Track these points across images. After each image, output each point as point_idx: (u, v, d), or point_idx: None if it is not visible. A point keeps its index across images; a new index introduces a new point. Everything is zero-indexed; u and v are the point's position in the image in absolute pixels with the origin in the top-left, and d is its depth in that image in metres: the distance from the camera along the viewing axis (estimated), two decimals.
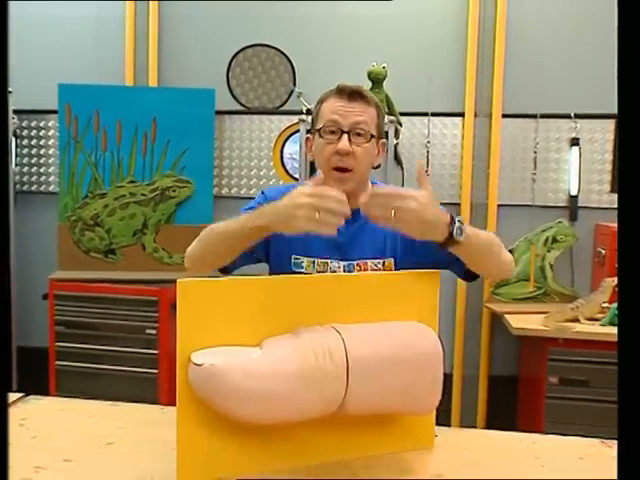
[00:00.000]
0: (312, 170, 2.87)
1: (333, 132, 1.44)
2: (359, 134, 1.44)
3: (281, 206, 1.24)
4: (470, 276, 1.46)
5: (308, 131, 1.58)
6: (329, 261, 1.49)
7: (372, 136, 1.45)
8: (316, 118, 1.51)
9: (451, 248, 1.25)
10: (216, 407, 1.09)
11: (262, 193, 1.59)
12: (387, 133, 3.01)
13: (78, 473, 1.15)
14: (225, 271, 1.54)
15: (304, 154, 2.89)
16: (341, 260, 1.49)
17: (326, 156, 1.45)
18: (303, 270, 1.50)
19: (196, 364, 1.07)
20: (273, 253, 1.54)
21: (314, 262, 1.49)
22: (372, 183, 1.57)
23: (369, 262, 1.48)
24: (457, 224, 1.23)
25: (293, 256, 1.51)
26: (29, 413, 1.41)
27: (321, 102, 1.50)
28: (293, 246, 1.50)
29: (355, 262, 1.48)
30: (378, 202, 1.20)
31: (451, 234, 1.22)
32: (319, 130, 1.46)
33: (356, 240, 1.50)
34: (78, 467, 1.17)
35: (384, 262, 1.49)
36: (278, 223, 1.25)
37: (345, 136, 1.43)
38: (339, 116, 1.44)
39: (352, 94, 1.45)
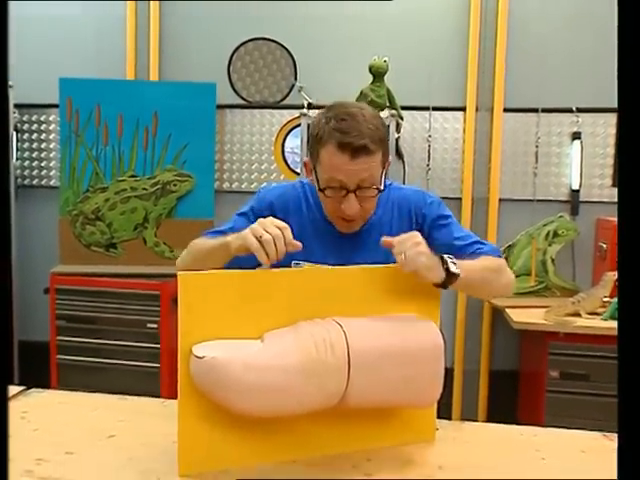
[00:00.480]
0: None
1: (337, 187, 1.37)
2: (366, 187, 1.37)
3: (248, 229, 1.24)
4: None
5: (308, 147, 1.48)
6: (329, 267, 1.47)
7: (379, 190, 1.39)
8: (315, 158, 1.40)
9: (452, 284, 1.25)
10: (217, 400, 1.09)
11: (259, 192, 1.57)
12: (388, 127, 3.00)
13: (79, 466, 1.15)
14: None
15: (306, 147, 2.88)
16: (343, 266, 1.47)
17: (331, 210, 1.43)
18: None
19: (197, 357, 1.07)
20: None
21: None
22: None
23: None
24: (448, 258, 1.24)
25: (294, 261, 1.49)
26: (30, 406, 1.42)
27: (320, 142, 1.37)
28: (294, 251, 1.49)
29: None
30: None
31: (447, 270, 1.22)
32: (322, 189, 1.39)
33: (359, 246, 1.48)
34: (79, 460, 1.17)
35: None
36: (240, 243, 1.24)
37: (351, 196, 1.36)
38: (343, 176, 1.35)
39: (355, 151, 1.32)
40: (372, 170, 1.36)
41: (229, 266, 1.43)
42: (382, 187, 1.40)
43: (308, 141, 1.46)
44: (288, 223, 1.47)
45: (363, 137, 1.32)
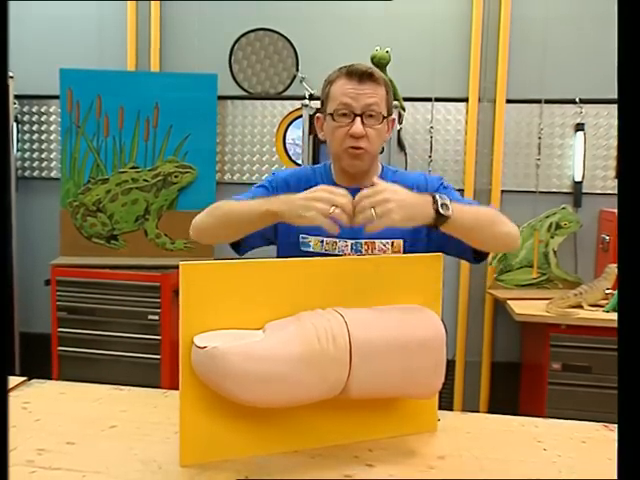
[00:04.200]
0: (315, 156, 2.86)
1: (345, 114, 1.46)
2: (371, 116, 1.45)
3: (299, 197, 1.28)
4: (479, 257, 1.48)
5: (318, 110, 1.59)
6: (337, 240, 1.48)
7: (384, 117, 1.47)
8: (326, 99, 1.51)
9: (443, 227, 1.26)
10: (219, 390, 1.09)
11: (272, 173, 1.63)
12: None
13: (81, 456, 1.15)
14: (237, 250, 1.55)
15: (307, 139, 2.87)
16: (349, 239, 1.48)
17: (339, 138, 1.47)
18: (311, 249, 1.50)
19: (199, 347, 1.07)
20: (280, 233, 1.55)
21: (322, 241, 1.50)
22: (381, 166, 1.58)
23: (377, 242, 1.48)
24: (440, 200, 1.24)
25: (301, 235, 1.51)
26: (32, 397, 1.42)
27: (330, 83, 1.50)
28: (301, 226, 1.49)
29: (363, 241, 1.48)
30: (357, 209, 1.22)
31: (437, 211, 1.23)
32: (332, 114, 1.47)
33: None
34: (81, 450, 1.17)
35: (393, 242, 1.49)
36: (291, 212, 1.28)
37: (358, 119, 1.44)
38: (351, 99, 1.45)
39: (362, 76, 1.45)
40: (377, 99, 1.46)
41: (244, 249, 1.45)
42: (386, 115, 1.48)
43: (321, 94, 1.55)
44: None
45: (369, 68, 1.48)
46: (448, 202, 1.25)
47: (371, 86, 1.45)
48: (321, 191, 1.26)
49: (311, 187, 1.52)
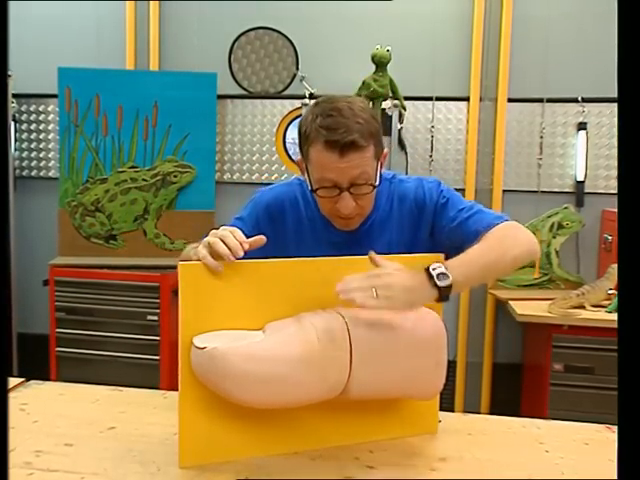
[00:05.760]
0: None
1: (330, 188, 1.31)
2: (360, 184, 1.30)
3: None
4: None
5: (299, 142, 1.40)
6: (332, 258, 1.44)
7: (374, 186, 1.33)
8: (305, 157, 1.35)
9: (453, 293, 1.15)
10: (218, 390, 1.08)
11: (255, 196, 1.52)
12: (391, 117, 2.98)
13: (79, 457, 1.14)
14: None
15: None
16: None
17: (327, 208, 1.37)
18: None
19: (198, 348, 1.06)
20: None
21: None
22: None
23: None
24: (434, 272, 1.13)
25: None
26: (30, 398, 1.41)
27: (307, 141, 1.31)
28: (292, 252, 1.45)
29: None
30: (355, 286, 1.10)
31: (437, 286, 1.12)
32: (315, 190, 1.33)
33: (359, 243, 1.43)
34: (79, 451, 1.16)
35: None
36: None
37: (345, 194, 1.30)
38: (334, 174, 1.29)
39: (343, 148, 1.25)
40: (364, 166, 1.30)
41: None
42: (377, 182, 1.34)
43: (299, 139, 1.38)
44: (286, 224, 1.46)
45: (351, 133, 1.25)
46: (444, 269, 1.13)
47: (355, 156, 1.27)
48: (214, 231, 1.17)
49: (299, 211, 1.45)
